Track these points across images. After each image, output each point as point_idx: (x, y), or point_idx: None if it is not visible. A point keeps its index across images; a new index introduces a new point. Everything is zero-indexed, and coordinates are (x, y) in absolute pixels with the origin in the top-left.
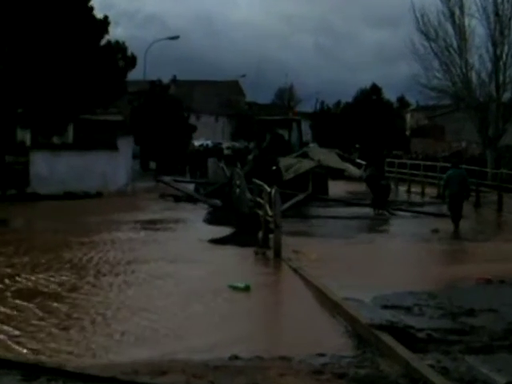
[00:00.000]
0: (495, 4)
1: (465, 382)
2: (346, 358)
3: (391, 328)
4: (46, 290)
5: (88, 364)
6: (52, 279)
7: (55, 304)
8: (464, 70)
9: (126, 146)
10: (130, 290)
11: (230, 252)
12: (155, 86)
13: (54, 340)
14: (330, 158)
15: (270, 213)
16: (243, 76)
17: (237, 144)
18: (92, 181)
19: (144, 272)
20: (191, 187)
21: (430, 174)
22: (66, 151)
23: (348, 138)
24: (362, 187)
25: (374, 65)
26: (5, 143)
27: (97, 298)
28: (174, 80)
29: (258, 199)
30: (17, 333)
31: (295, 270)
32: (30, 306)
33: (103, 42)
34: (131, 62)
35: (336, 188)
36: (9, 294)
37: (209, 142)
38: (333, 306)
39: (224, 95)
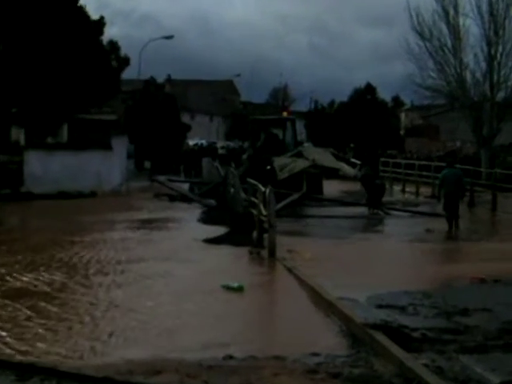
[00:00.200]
0: (490, 4)
1: (459, 381)
2: (340, 357)
3: (385, 327)
4: (35, 289)
5: (78, 364)
6: (42, 279)
7: (44, 304)
8: (458, 70)
9: (121, 145)
10: (122, 290)
11: (225, 251)
12: (149, 84)
13: (42, 340)
14: (324, 157)
15: (264, 212)
16: (238, 75)
17: (231, 143)
18: (86, 180)
19: (137, 271)
20: (186, 187)
21: (424, 173)
22: (60, 151)
23: (342, 137)
24: (356, 187)
25: (368, 64)
26: None
27: (87, 297)
28: (169, 79)
29: (253, 199)
30: (3, 333)
31: (290, 270)
32: (18, 305)
33: (98, 41)
34: (124, 61)
35: (330, 187)
36: None
37: (203, 142)
38: (327, 306)
39: (219, 95)
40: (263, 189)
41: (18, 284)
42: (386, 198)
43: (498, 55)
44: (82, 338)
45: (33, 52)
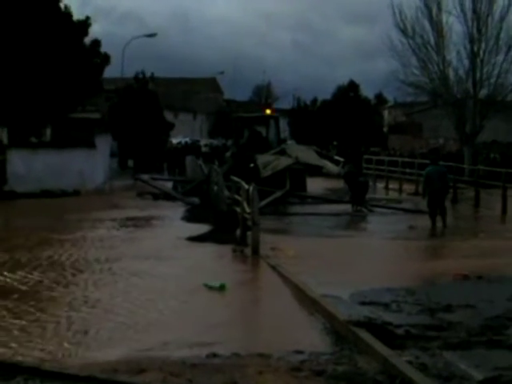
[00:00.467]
0: (473, 1)
1: (443, 377)
2: (324, 354)
3: (369, 324)
4: (22, 287)
5: (61, 363)
6: (27, 277)
7: (22, 303)
8: (441, 67)
9: (104, 144)
10: (105, 288)
11: (208, 249)
12: (138, 79)
13: (27, 338)
14: (308, 154)
15: (247, 210)
16: (221, 73)
17: (215, 141)
18: (69, 179)
19: (119, 270)
20: (169, 185)
21: (407, 170)
22: (44, 149)
23: (326, 134)
24: (340, 184)
25: (351, 61)
26: None
27: (66, 296)
28: (152, 77)
29: (236, 197)
30: None
31: (273, 267)
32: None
33: (81, 41)
34: (105, 59)
35: (314, 185)
36: None
37: (187, 140)
38: (311, 303)
39: (202, 93)
40: (247, 186)
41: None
42: (369, 195)
43: (481, 52)
44: (58, 338)
45: (15, 52)
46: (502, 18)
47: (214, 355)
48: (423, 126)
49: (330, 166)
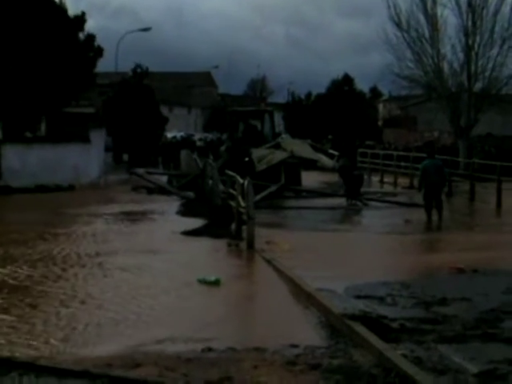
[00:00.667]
0: None
1: (438, 371)
2: (319, 348)
3: (364, 318)
4: (13, 282)
5: (56, 358)
6: (20, 271)
7: (18, 297)
8: (436, 60)
9: (99, 138)
10: (99, 282)
11: (203, 244)
12: (136, 73)
13: (16, 333)
14: (302, 148)
15: (242, 204)
16: (216, 67)
17: (209, 135)
18: (64, 174)
19: (114, 264)
20: (164, 179)
21: (402, 164)
22: (38, 144)
23: (320, 128)
24: (334, 178)
25: (346, 55)
26: None
27: (62, 290)
28: (147, 72)
29: (231, 191)
30: None
31: (268, 261)
32: None
33: (75, 36)
34: (98, 51)
35: (309, 179)
36: None
37: (182, 134)
38: (306, 297)
39: (196, 87)
40: (241, 180)
41: None
42: (364, 189)
43: (476, 46)
44: (55, 331)
45: (9, 46)
46: (497, 12)
47: (210, 349)
48: (418, 120)
49: (324, 160)
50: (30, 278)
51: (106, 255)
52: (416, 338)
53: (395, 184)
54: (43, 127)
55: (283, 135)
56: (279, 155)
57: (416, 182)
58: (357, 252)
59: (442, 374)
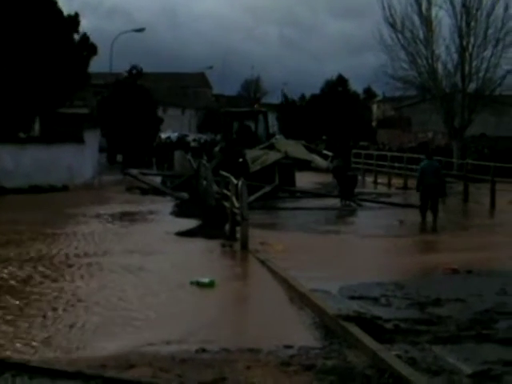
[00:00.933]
0: None
1: (432, 372)
2: (313, 349)
3: (358, 319)
4: (10, 282)
5: (49, 359)
6: (12, 272)
7: (8, 297)
8: (430, 61)
9: (93, 138)
10: (92, 283)
11: (197, 244)
12: (132, 74)
13: (12, 335)
14: (296, 149)
15: (236, 205)
16: (210, 68)
17: (203, 136)
18: (58, 174)
19: (107, 265)
20: (158, 180)
21: (396, 164)
22: (32, 144)
23: (314, 129)
24: (328, 178)
25: (340, 56)
26: None
27: (54, 291)
28: (141, 72)
29: (225, 191)
30: None
31: (262, 262)
32: None
33: (69, 36)
34: (92, 50)
35: (303, 179)
36: None
37: (176, 134)
38: (300, 298)
39: (190, 87)
40: (235, 181)
41: None
42: (358, 190)
43: (470, 47)
44: (46, 332)
45: (2, 46)
46: (491, 13)
47: (204, 350)
48: (412, 120)
49: (318, 161)
50: (26, 278)
51: (99, 255)
52: (410, 339)
53: (389, 185)
54: (37, 127)
55: (277, 136)
56: (273, 156)
57: (410, 183)
58: (351, 253)
59: (436, 374)
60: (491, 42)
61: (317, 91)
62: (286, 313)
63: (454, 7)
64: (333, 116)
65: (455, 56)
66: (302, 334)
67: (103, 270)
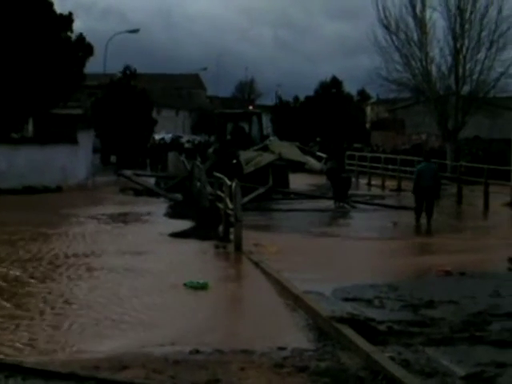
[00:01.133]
0: None
1: (425, 373)
2: (307, 351)
3: (352, 321)
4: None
5: (43, 360)
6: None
7: (5, 297)
8: (424, 63)
9: (87, 139)
10: (86, 284)
11: (191, 246)
12: (126, 75)
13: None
14: (290, 151)
15: (230, 206)
16: (204, 69)
17: (197, 137)
18: (52, 175)
19: (100, 266)
20: (152, 181)
21: (390, 166)
22: (26, 145)
23: (308, 131)
24: (322, 180)
25: (334, 57)
26: None
27: (43, 292)
28: (135, 73)
29: (219, 193)
30: None
31: (256, 264)
32: None
33: (63, 36)
34: (88, 50)
35: (297, 181)
36: None
37: (170, 136)
38: (294, 300)
39: (185, 89)
40: (229, 183)
41: None
42: (351, 192)
43: (464, 49)
44: (38, 333)
45: None
46: (485, 15)
47: (197, 352)
48: (406, 123)
49: (312, 163)
50: (16, 279)
51: (93, 256)
52: (404, 341)
53: (383, 187)
54: (30, 128)
55: (271, 137)
56: (267, 157)
57: (403, 185)
58: (345, 254)
59: (429, 376)
60: (485, 45)
61: (311, 93)
62: (279, 314)
63: (448, 9)
64: (327, 118)
65: (449, 58)
66: (295, 336)
67: (100, 271)
